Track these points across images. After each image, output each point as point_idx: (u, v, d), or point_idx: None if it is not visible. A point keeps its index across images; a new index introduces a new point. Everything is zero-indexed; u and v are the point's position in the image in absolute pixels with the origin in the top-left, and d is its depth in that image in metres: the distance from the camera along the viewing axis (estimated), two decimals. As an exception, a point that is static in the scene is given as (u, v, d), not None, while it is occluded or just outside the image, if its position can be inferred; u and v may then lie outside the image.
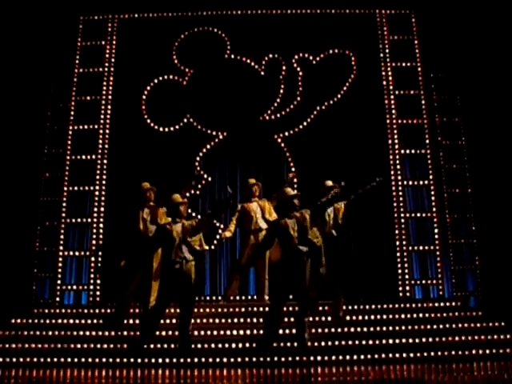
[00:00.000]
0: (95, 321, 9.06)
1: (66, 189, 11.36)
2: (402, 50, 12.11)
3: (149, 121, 11.90)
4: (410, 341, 8.05)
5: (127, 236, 8.99)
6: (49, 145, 11.63)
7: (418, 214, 11.20)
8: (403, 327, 8.54)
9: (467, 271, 11.11)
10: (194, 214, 10.86)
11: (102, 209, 11.30)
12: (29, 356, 7.87)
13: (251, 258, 8.55)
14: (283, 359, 7.51)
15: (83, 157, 11.57)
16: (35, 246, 11.10)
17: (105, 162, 11.58)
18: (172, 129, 11.86)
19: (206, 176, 11.51)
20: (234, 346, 7.95)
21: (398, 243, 11.02)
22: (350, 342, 8.01)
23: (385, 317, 8.92)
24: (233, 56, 12.25)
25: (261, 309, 8.94)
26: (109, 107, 11.90)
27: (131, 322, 8.80)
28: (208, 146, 11.70)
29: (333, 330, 8.41)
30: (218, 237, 11.02)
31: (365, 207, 10.00)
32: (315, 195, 8.84)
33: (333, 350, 7.82)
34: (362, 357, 7.65)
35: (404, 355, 7.71)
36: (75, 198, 11.35)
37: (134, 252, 8.71)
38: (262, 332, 7.86)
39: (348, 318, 8.76)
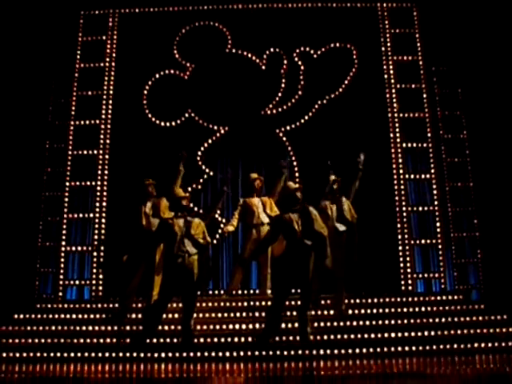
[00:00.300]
0: (98, 316, 9.07)
1: (67, 184, 11.37)
2: (404, 44, 12.08)
3: (150, 115, 11.90)
4: (413, 334, 8.06)
5: (130, 231, 9.01)
6: (50, 140, 11.67)
7: (420, 208, 11.20)
8: (405, 321, 8.55)
9: (469, 264, 11.13)
10: (196, 209, 10.89)
11: (104, 204, 11.31)
12: (32, 351, 7.89)
13: (254, 252, 8.55)
14: (286, 353, 7.52)
15: (85, 152, 11.58)
16: (37, 241, 11.14)
17: (106, 157, 11.58)
18: (173, 123, 11.86)
19: (207, 171, 11.50)
20: (236, 340, 7.97)
21: (400, 237, 11.02)
22: (352, 336, 8.02)
23: (387, 310, 8.91)
24: (234, 50, 12.24)
25: (263, 303, 8.94)
26: (110, 102, 11.90)
27: (134, 316, 8.82)
28: (209, 141, 11.70)
29: (335, 323, 8.41)
30: (220, 231, 11.02)
31: (367, 201, 10.06)
32: (317, 188, 8.90)
33: (335, 343, 7.83)
34: (365, 350, 7.65)
35: (406, 349, 7.71)
36: (77, 193, 11.37)
37: (137, 247, 8.73)
38: (263, 326, 7.88)
39: (350, 311, 8.76)
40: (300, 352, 7.55)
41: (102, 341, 8.14)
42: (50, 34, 11.76)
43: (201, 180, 11.43)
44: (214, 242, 10.92)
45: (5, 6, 11.51)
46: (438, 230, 11.05)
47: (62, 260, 10.97)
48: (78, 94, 11.92)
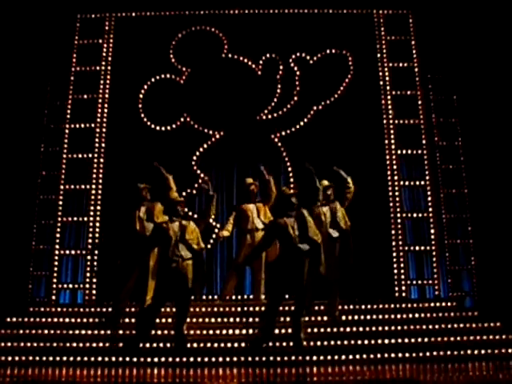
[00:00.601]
0: (91, 320, 9.05)
1: (62, 187, 11.34)
2: (399, 51, 12.12)
3: (146, 119, 11.88)
4: (406, 341, 8.06)
5: (124, 235, 8.99)
6: (45, 143, 11.63)
7: (415, 215, 11.21)
8: (399, 327, 8.55)
9: (463, 271, 11.13)
10: (190, 213, 10.88)
11: (99, 207, 11.28)
12: (24, 355, 7.84)
13: (248, 257, 8.53)
14: (279, 358, 7.51)
15: (80, 155, 11.55)
16: (31, 244, 11.09)
17: (101, 160, 11.56)
18: (169, 128, 11.85)
19: (202, 175, 11.48)
20: (229, 345, 7.95)
21: (394, 243, 11.04)
22: (345, 342, 8.02)
23: (380, 317, 8.93)
24: (230, 55, 12.24)
25: (257, 308, 8.94)
26: (106, 106, 11.88)
27: (127, 320, 8.79)
28: (205, 145, 11.69)
29: (328, 329, 8.42)
30: (214, 236, 11.00)
31: (361, 207, 10.06)
32: (312, 194, 8.91)
33: (328, 349, 7.81)
34: (358, 356, 7.64)
35: (399, 355, 7.70)
36: (72, 197, 11.34)
37: (131, 251, 8.73)
38: (257, 331, 7.87)
39: (344, 317, 8.77)
40: (293, 358, 7.53)
41: (94, 345, 8.11)
42: (46, 37, 11.74)
43: (196, 184, 11.41)
44: (209, 246, 10.91)
45: (1, 9, 11.50)
46: (432, 236, 11.06)
47: (56, 263, 10.94)
48: (74, 97, 11.90)
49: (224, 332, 8.39)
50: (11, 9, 11.62)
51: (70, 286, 10.91)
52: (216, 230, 10.95)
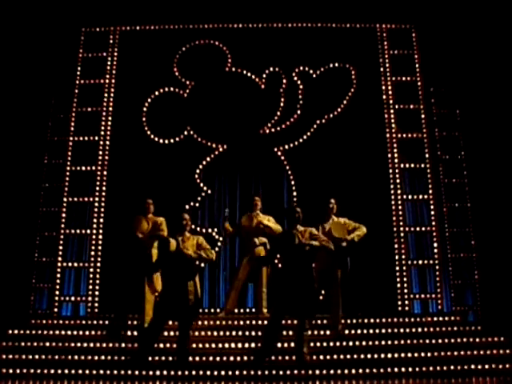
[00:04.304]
0: (93, 332, 9.02)
1: (65, 199, 11.35)
2: (402, 65, 12.14)
3: (149, 132, 11.91)
4: (409, 355, 8.03)
5: (125, 243, 9.02)
6: (49, 155, 11.65)
7: (418, 228, 11.20)
8: (402, 341, 8.52)
9: (466, 285, 11.10)
10: (193, 227, 10.86)
11: (102, 220, 11.29)
12: (26, 367, 7.80)
13: (256, 269, 8.61)
14: (281, 373, 7.47)
15: (83, 168, 11.57)
16: (34, 256, 11.08)
17: (105, 173, 11.57)
18: (172, 141, 11.87)
19: (205, 188, 11.50)
20: (232, 358, 7.93)
21: (397, 257, 11.01)
22: (348, 356, 7.99)
23: (383, 331, 8.89)
24: (233, 69, 12.29)
25: (259, 322, 8.92)
26: (109, 118, 11.91)
27: (129, 333, 8.76)
28: (208, 159, 11.71)
29: (331, 343, 8.38)
30: (217, 249, 10.98)
31: (364, 221, 10.05)
32: (314, 208, 8.91)
33: (331, 363, 7.78)
34: (361, 371, 7.61)
35: (403, 369, 7.67)
36: (75, 209, 11.35)
37: (132, 259, 8.77)
38: (259, 345, 7.84)
39: (347, 331, 8.73)
40: (296, 372, 7.50)
41: (96, 358, 8.08)
42: (50, 50, 11.81)
43: (198, 198, 11.42)
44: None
45: (6, 21, 11.57)
46: (435, 250, 11.04)
47: (58, 276, 10.92)
48: (78, 110, 11.94)
49: (226, 345, 8.36)
50: (16, 22, 11.69)
51: (73, 298, 10.89)
52: (219, 243, 11.00)
